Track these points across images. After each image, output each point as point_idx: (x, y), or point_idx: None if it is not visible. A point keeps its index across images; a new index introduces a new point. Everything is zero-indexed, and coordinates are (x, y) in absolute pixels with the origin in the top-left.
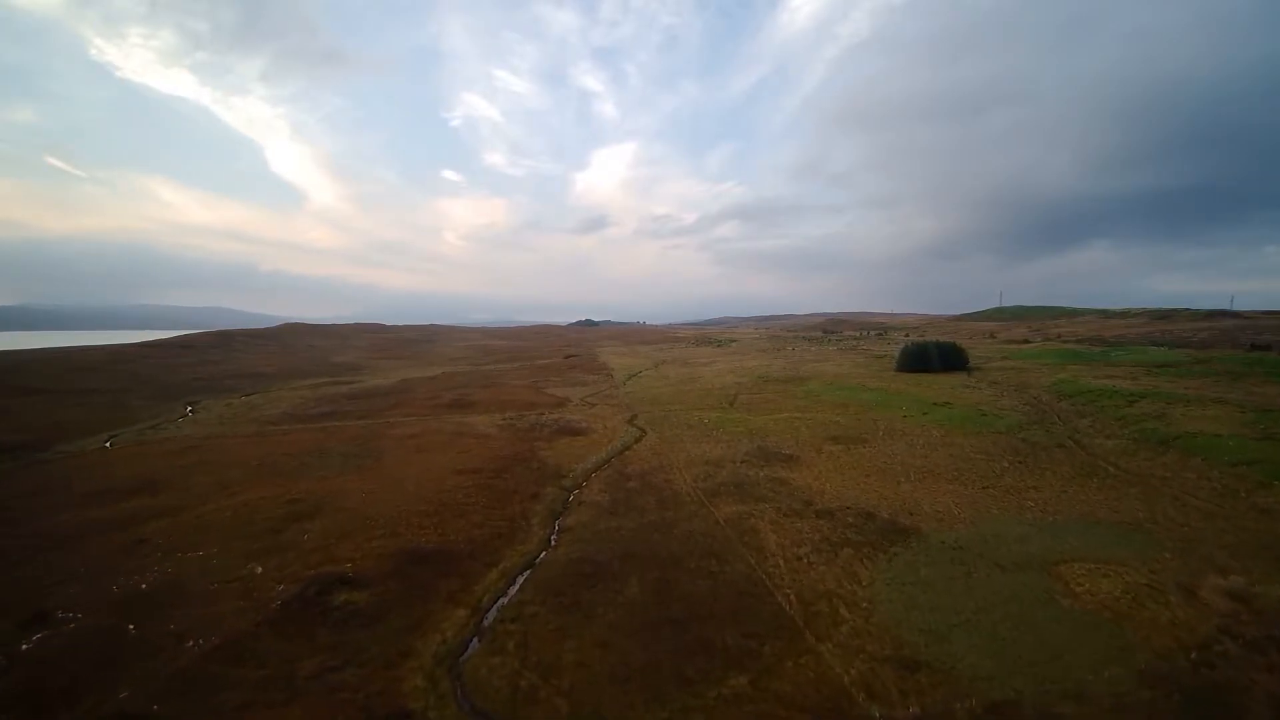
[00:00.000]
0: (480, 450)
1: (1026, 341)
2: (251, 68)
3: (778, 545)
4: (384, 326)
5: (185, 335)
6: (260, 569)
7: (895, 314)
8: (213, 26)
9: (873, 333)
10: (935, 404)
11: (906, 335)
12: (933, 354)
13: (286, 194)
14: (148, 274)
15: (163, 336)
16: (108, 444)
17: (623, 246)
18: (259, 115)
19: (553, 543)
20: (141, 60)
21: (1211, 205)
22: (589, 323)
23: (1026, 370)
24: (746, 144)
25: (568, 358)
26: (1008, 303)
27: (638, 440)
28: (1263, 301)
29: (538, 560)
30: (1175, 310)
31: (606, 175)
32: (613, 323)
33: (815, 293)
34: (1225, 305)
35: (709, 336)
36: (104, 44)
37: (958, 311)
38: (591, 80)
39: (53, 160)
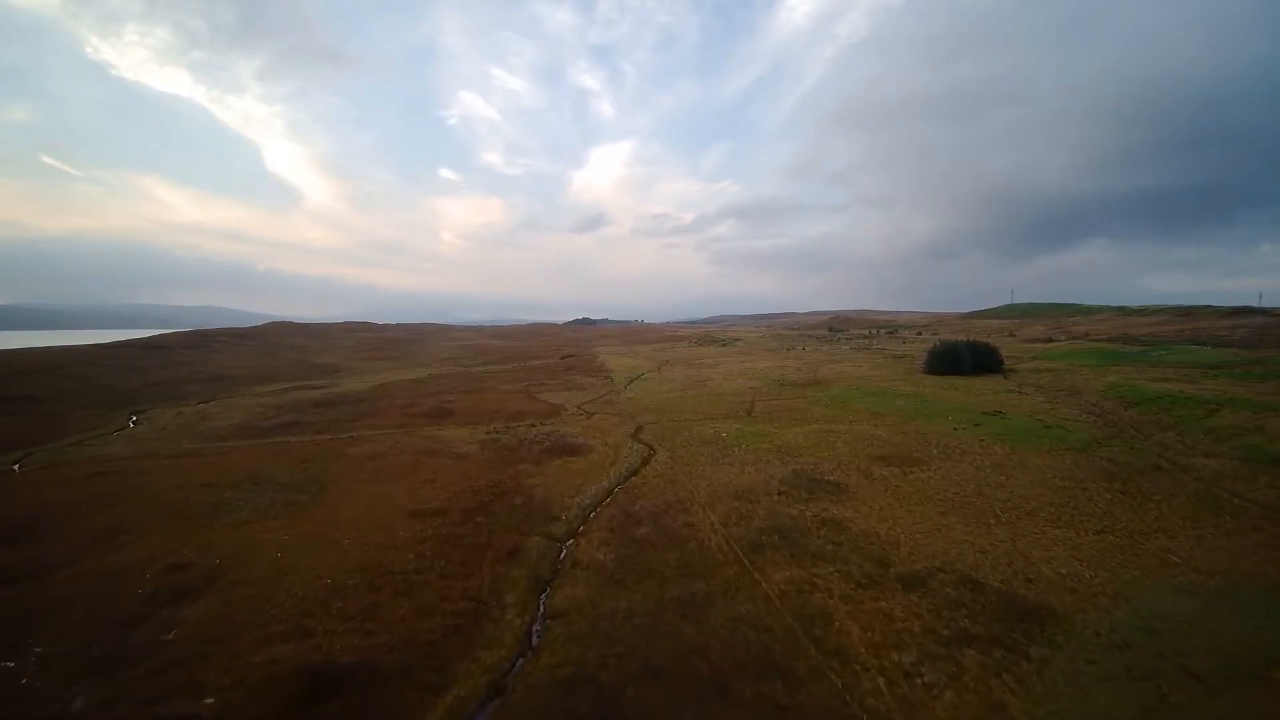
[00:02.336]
0: (452, 477)
1: (1051, 340)
2: (249, 66)
3: (865, 645)
4: (374, 326)
5: (160, 335)
6: (80, 702)
7: (900, 312)
8: (210, 25)
9: (882, 331)
10: (985, 413)
11: (919, 334)
12: (964, 355)
13: (283, 193)
14: (144, 273)
15: (139, 335)
16: (15, 466)
17: (620, 245)
18: (255, 114)
19: (534, 642)
20: (137, 59)
21: (1207, 205)
22: (587, 321)
23: (1068, 372)
24: (743, 143)
25: (564, 358)
26: (1017, 300)
27: (645, 461)
28: (1268, 299)
29: (508, 679)
30: (1198, 307)
31: (604, 174)
32: (611, 321)
33: (814, 291)
34: (1250, 302)
35: (711, 335)
36: (100, 42)
37: (959, 309)
38: (589, 79)
39: (48, 159)
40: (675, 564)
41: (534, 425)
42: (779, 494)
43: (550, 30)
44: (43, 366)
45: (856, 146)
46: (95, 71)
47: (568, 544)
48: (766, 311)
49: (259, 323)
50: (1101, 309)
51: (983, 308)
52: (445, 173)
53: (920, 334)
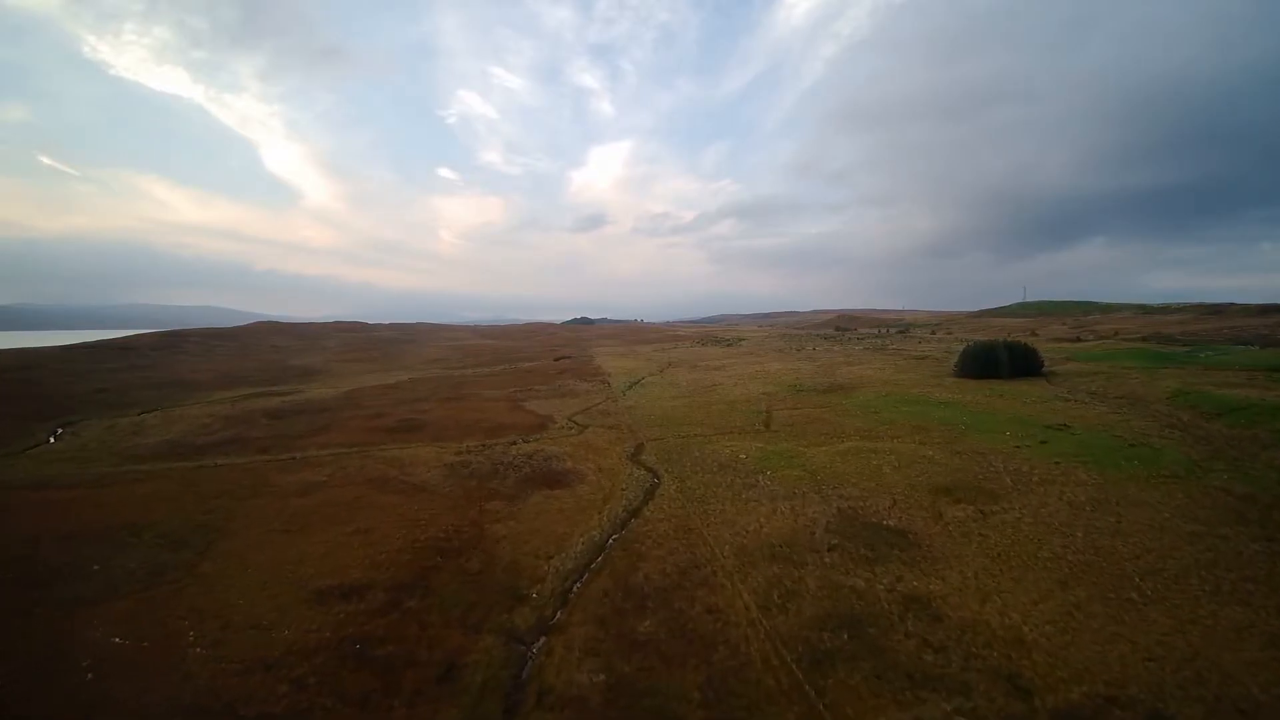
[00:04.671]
0: (394, 525)
1: (1079, 339)
2: (249, 65)
3: None
4: (365, 326)
5: (130, 336)
6: None
7: (906, 311)
8: (213, 24)
9: (893, 330)
10: (1048, 427)
11: (932, 332)
12: (1003, 357)
13: (281, 192)
14: (142, 274)
15: (112, 336)
16: None
17: (620, 244)
18: (254, 113)
19: None
20: (136, 58)
21: (1206, 203)
22: (585, 320)
23: (1117, 375)
24: (742, 142)
25: (558, 360)
26: (1019, 298)
27: (648, 495)
28: (1267, 295)
29: None
30: (1226, 305)
31: (603, 173)
32: (610, 320)
33: (815, 290)
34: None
35: (714, 335)
36: (98, 41)
37: (963, 308)
38: (588, 78)
39: (46, 159)
40: (700, 697)
41: (515, 443)
42: (830, 549)
43: (549, 28)
44: None
45: (856, 145)
46: (93, 70)
47: (536, 647)
48: (768, 310)
49: (255, 322)
50: (1119, 307)
51: (988, 306)
52: (444, 172)
53: (934, 333)
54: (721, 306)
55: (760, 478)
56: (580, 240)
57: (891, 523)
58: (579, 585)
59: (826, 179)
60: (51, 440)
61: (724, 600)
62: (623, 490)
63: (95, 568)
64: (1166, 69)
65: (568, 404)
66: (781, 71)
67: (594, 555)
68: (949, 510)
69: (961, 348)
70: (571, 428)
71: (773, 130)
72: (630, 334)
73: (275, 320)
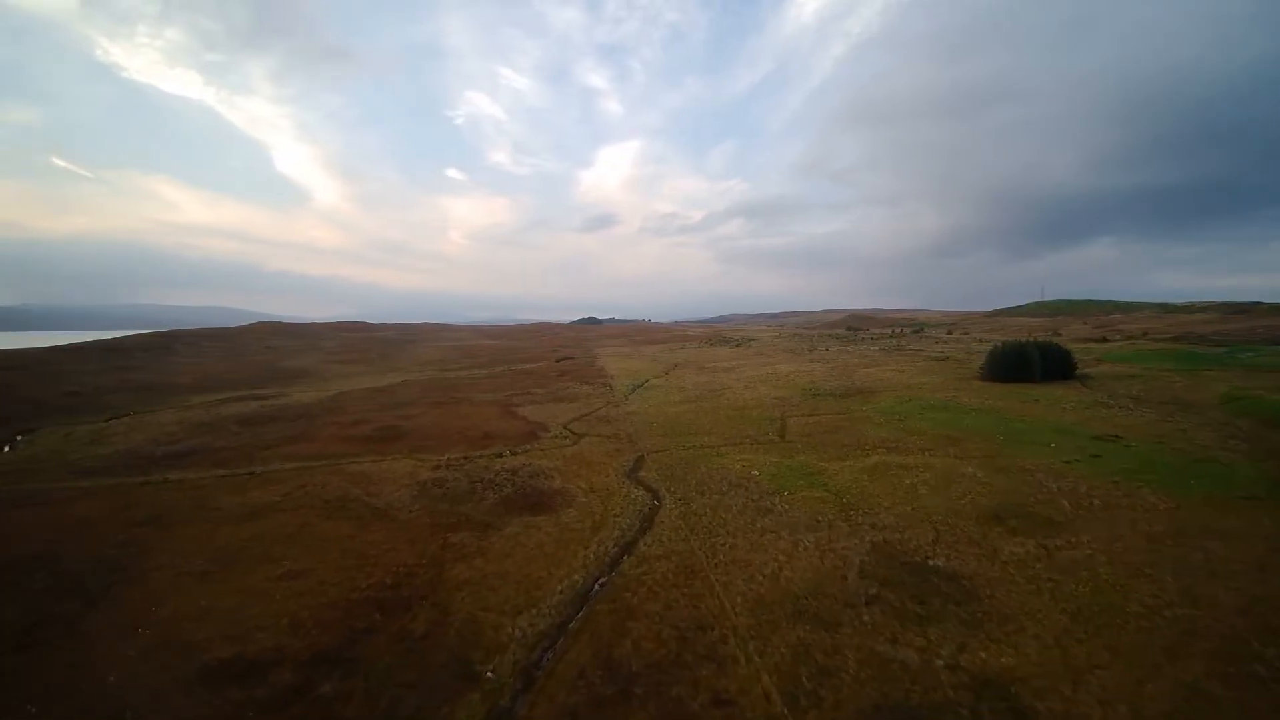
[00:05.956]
0: (335, 564)
1: (1105, 339)
2: (260, 67)
3: None
4: (367, 326)
5: (121, 336)
6: None
7: (917, 310)
8: (225, 26)
9: (908, 330)
10: (1095, 437)
11: (948, 332)
12: (1034, 358)
13: (290, 193)
14: (150, 274)
15: (107, 336)
16: None
17: (627, 244)
18: (264, 115)
19: None
20: (148, 60)
21: (1213, 201)
22: (592, 320)
23: (1156, 379)
24: (750, 141)
25: (560, 361)
26: (1031, 297)
27: (646, 525)
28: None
29: None
30: (1251, 304)
31: (611, 173)
32: (617, 320)
33: (823, 290)
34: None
35: (723, 335)
36: (110, 44)
37: (972, 307)
38: (596, 78)
39: (57, 160)
40: None
41: (500, 455)
42: (868, 601)
43: (557, 28)
44: None
45: (863, 144)
46: (105, 73)
47: None
48: (777, 310)
49: (255, 322)
50: (1139, 305)
51: (999, 305)
52: (452, 172)
53: (950, 333)
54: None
55: (776, 500)
56: (588, 240)
57: (939, 562)
58: (550, 657)
59: (833, 178)
60: (7, 449)
61: (737, 685)
62: (616, 517)
63: None
64: (1166, 68)
65: (564, 409)
66: (789, 71)
67: (573, 610)
68: (1005, 544)
69: (985, 348)
70: (566, 437)
71: (780, 130)
72: (637, 334)
73: (277, 320)
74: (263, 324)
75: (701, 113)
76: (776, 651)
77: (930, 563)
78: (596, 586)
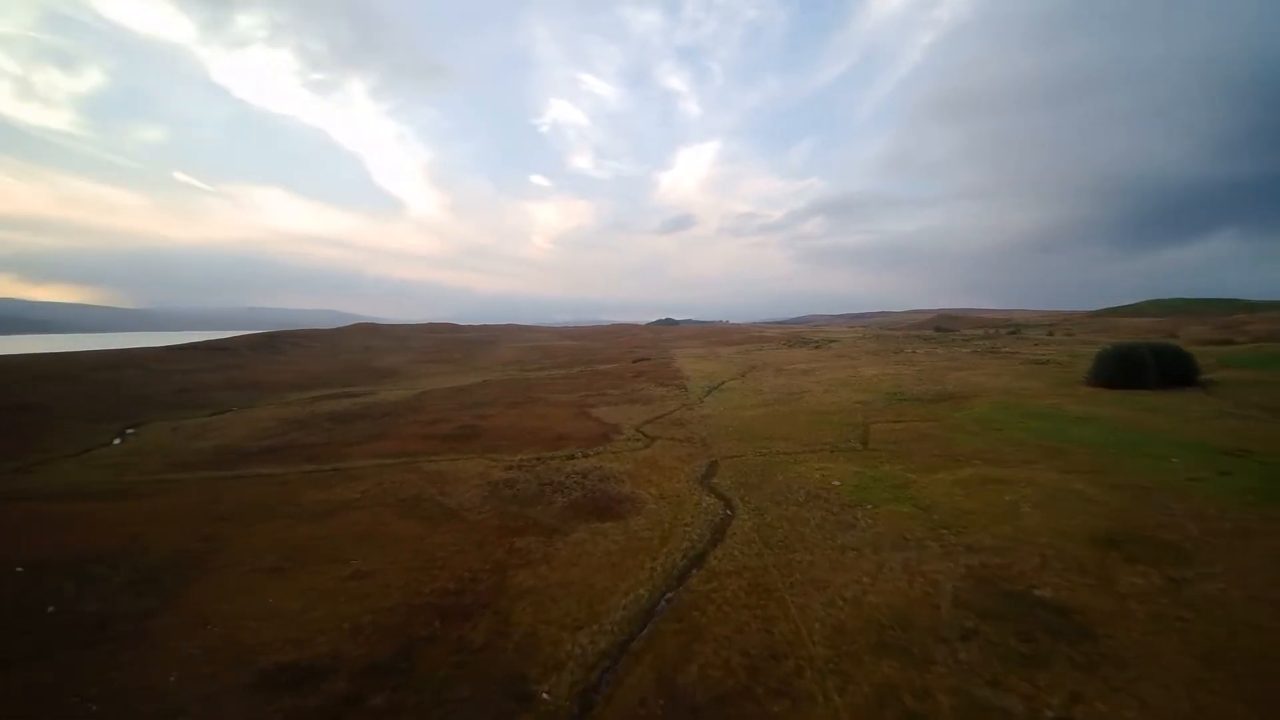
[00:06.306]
0: (401, 567)
1: (1229, 342)
2: (362, 84)
3: None
4: (455, 327)
5: (233, 336)
6: None
7: (1012, 310)
8: (331, 46)
9: (1003, 331)
10: (1223, 452)
11: (1049, 334)
12: (1149, 361)
13: (388, 203)
14: (264, 279)
15: (216, 337)
16: None
17: (705, 245)
18: (364, 128)
19: None
20: (259, 80)
21: None
22: (669, 321)
23: None
24: (830, 137)
25: (636, 362)
26: (1143, 296)
27: (717, 536)
28: None
29: None
30: None
31: (688, 175)
32: (694, 321)
33: (908, 289)
34: None
35: (801, 336)
36: (226, 66)
37: (1075, 307)
38: (675, 80)
39: (179, 175)
40: None
41: (572, 457)
42: (964, 637)
43: (636, 33)
44: (70, 372)
45: (953, 136)
46: (221, 93)
47: None
48: (859, 310)
49: (354, 324)
50: (1268, 305)
51: (1107, 305)
52: (537, 179)
53: (1051, 334)
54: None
55: (859, 514)
56: (665, 242)
57: (1046, 594)
58: (609, 679)
59: (920, 172)
60: (117, 441)
61: None
62: (686, 526)
63: (49, 609)
64: None
65: (638, 411)
66: (874, 63)
67: (636, 627)
68: (1123, 575)
69: (1090, 351)
70: (638, 439)
71: (863, 125)
72: (713, 335)
73: (374, 322)
74: (360, 325)
75: (780, 110)
76: (859, 690)
77: (1035, 593)
78: (662, 602)
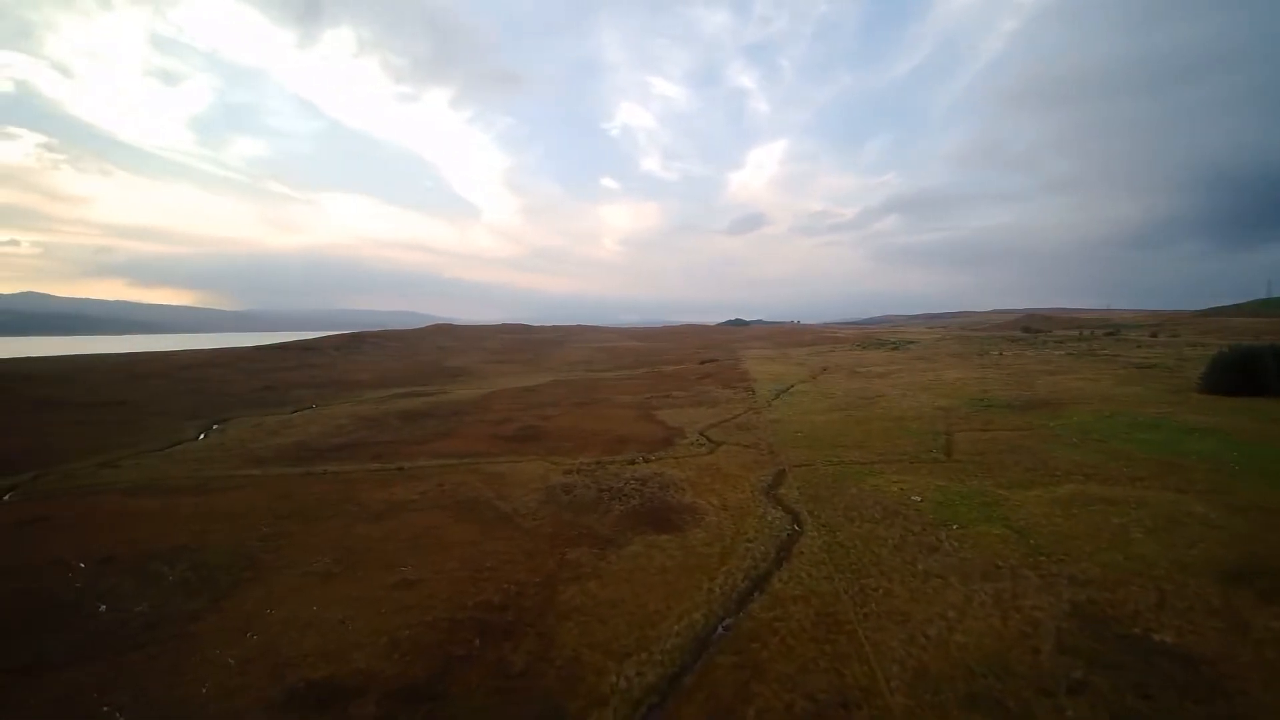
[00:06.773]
0: (449, 576)
1: None
2: (441, 95)
3: None
4: (527, 328)
5: (320, 336)
6: None
7: (1109, 309)
8: (412, 61)
9: (1099, 332)
10: None
11: (1152, 335)
12: (1270, 366)
13: (464, 208)
14: (352, 281)
15: (305, 337)
16: (5, 497)
17: (775, 244)
18: (444, 137)
19: None
20: (347, 94)
21: None
22: (739, 322)
23: None
24: (906, 132)
25: (703, 363)
26: (1258, 294)
27: (783, 555)
28: None
29: None
30: None
31: (758, 174)
32: (764, 322)
33: (991, 287)
34: None
35: (876, 337)
36: (315, 83)
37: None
38: (744, 79)
39: (276, 185)
40: None
41: (633, 462)
42: (1071, 691)
43: (705, 34)
44: (165, 370)
45: (1039, 127)
46: (311, 109)
47: None
48: (937, 310)
49: (430, 324)
50: None
51: (1215, 304)
52: (607, 181)
53: (1154, 335)
54: (884, 307)
55: (943, 535)
56: (735, 242)
57: (1168, 638)
58: (657, 716)
59: (1004, 165)
60: (202, 437)
61: None
62: (749, 542)
63: (102, 608)
64: None
65: (703, 414)
66: (952, 53)
67: (690, 658)
68: (1256, 616)
69: (1200, 354)
70: (702, 444)
71: (941, 118)
72: (783, 336)
73: (450, 322)
74: (436, 325)
75: (852, 106)
76: None
77: (1155, 637)
78: (720, 629)
